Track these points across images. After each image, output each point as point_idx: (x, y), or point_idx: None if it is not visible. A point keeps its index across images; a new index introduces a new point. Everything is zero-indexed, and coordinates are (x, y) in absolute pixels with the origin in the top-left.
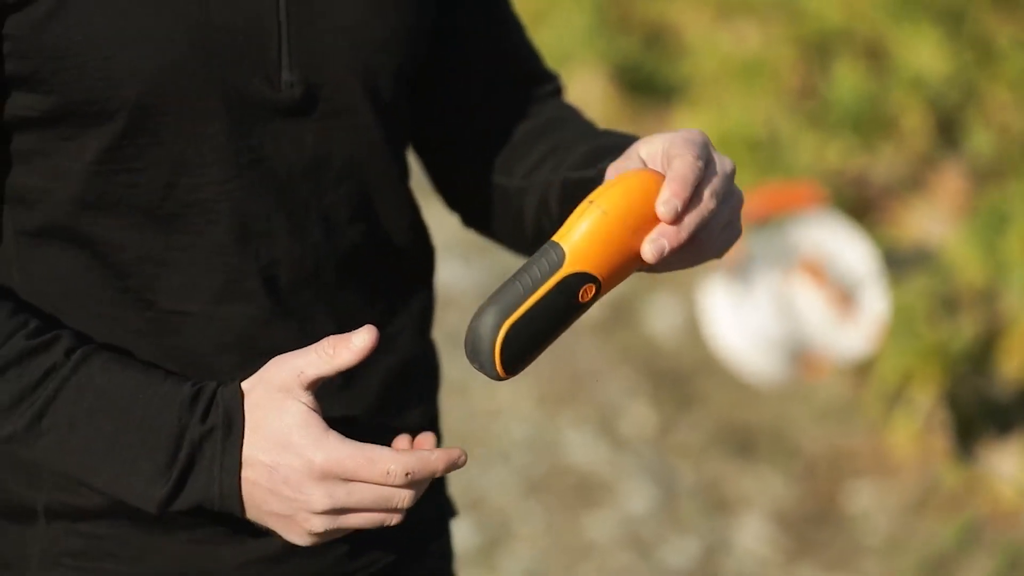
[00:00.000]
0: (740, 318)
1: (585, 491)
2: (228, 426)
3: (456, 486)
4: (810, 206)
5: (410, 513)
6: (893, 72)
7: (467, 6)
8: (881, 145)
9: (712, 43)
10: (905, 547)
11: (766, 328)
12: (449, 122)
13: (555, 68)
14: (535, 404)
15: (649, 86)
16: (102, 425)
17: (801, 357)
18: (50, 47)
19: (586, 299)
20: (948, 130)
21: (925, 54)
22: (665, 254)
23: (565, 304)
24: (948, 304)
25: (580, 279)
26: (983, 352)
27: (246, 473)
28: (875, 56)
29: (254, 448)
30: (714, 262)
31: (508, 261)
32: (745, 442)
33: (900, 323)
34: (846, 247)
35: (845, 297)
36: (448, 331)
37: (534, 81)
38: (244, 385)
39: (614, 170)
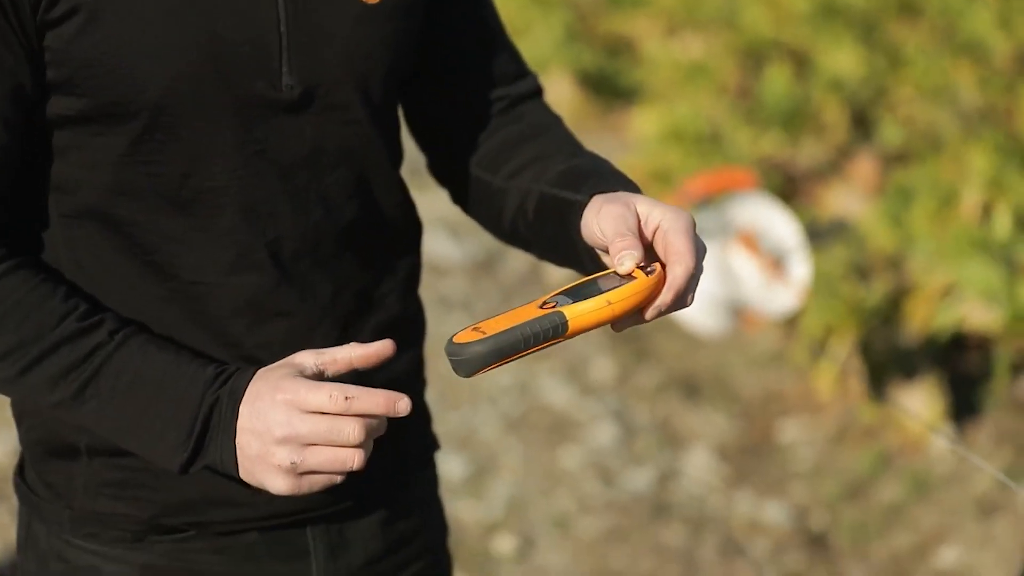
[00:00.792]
0: None
1: (558, 429)
2: (231, 397)
3: (449, 425)
4: (745, 188)
5: (396, 450)
6: (815, 75)
7: (454, 11)
8: (805, 137)
9: (664, 52)
10: (828, 473)
11: (709, 290)
12: (439, 117)
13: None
14: None
15: (611, 89)
16: (137, 398)
17: (739, 314)
18: (81, 57)
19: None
20: (862, 123)
21: (842, 59)
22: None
23: (541, 346)
24: (862, 269)
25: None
26: (892, 309)
27: (238, 441)
28: (800, 62)
29: (243, 419)
30: None
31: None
32: (692, 386)
33: (822, 285)
34: (776, 222)
35: (775, 263)
36: (442, 295)
37: (517, 79)
38: (260, 369)
39: (608, 212)
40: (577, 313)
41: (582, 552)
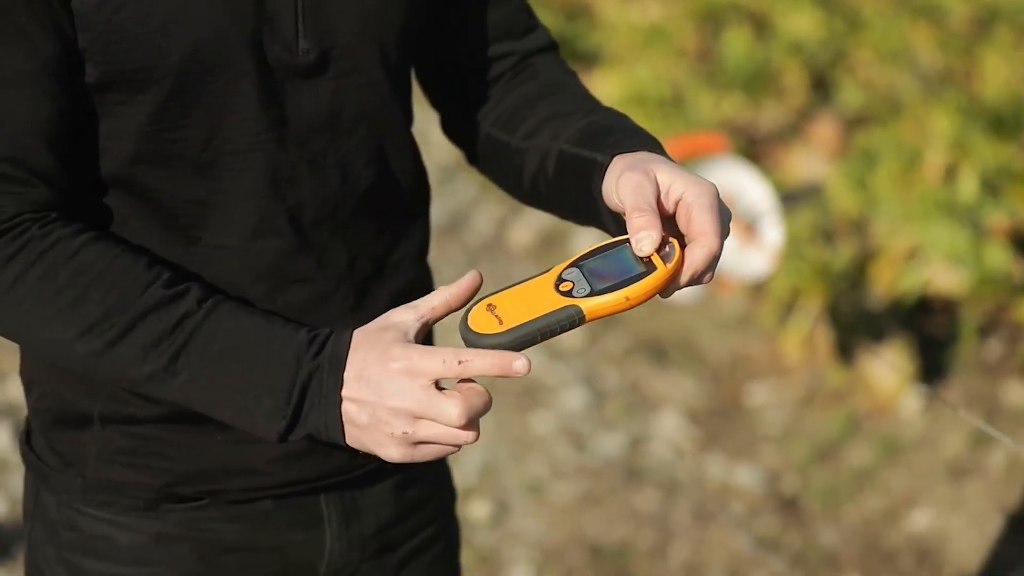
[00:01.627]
0: None
1: (529, 394)
2: (332, 364)
3: None
4: (717, 152)
5: None
6: (775, 38)
7: None
8: (766, 100)
9: (622, 16)
10: (797, 437)
11: None
12: (448, 73)
13: None
14: None
15: (570, 53)
16: (230, 365)
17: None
18: (105, 24)
19: None
20: (822, 86)
21: (802, 23)
22: None
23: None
24: (827, 232)
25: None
26: (858, 272)
27: (344, 409)
28: (760, 25)
29: (350, 388)
30: None
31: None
32: (660, 350)
33: (789, 248)
34: (748, 186)
35: (748, 228)
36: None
37: (526, 32)
38: (356, 330)
39: (627, 181)
40: (593, 306)
41: (557, 517)
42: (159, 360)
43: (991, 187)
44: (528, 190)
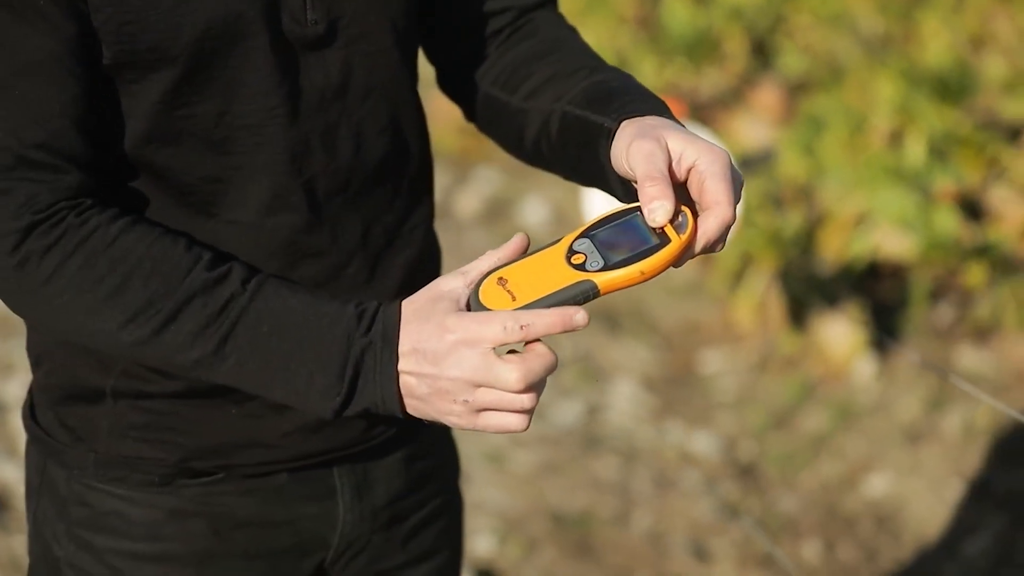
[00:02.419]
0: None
1: None
2: (385, 339)
3: None
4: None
5: None
6: (715, 4)
7: None
8: (708, 66)
9: None
10: (752, 403)
11: None
12: (442, 27)
13: None
14: None
15: None
16: (280, 345)
17: None
18: (116, 3)
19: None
20: (763, 52)
21: None
22: None
23: None
24: (775, 199)
25: None
26: (808, 239)
27: (403, 382)
28: None
29: (407, 362)
30: None
31: None
32: (612, 319)
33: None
34: None
35: None
36: None
37: None
38: (404, 302)
39: (638, 149)
40: (608, 281)
41: (518, 486)
42: (207, 345)
43: (938, 152)
44: (530, 151)
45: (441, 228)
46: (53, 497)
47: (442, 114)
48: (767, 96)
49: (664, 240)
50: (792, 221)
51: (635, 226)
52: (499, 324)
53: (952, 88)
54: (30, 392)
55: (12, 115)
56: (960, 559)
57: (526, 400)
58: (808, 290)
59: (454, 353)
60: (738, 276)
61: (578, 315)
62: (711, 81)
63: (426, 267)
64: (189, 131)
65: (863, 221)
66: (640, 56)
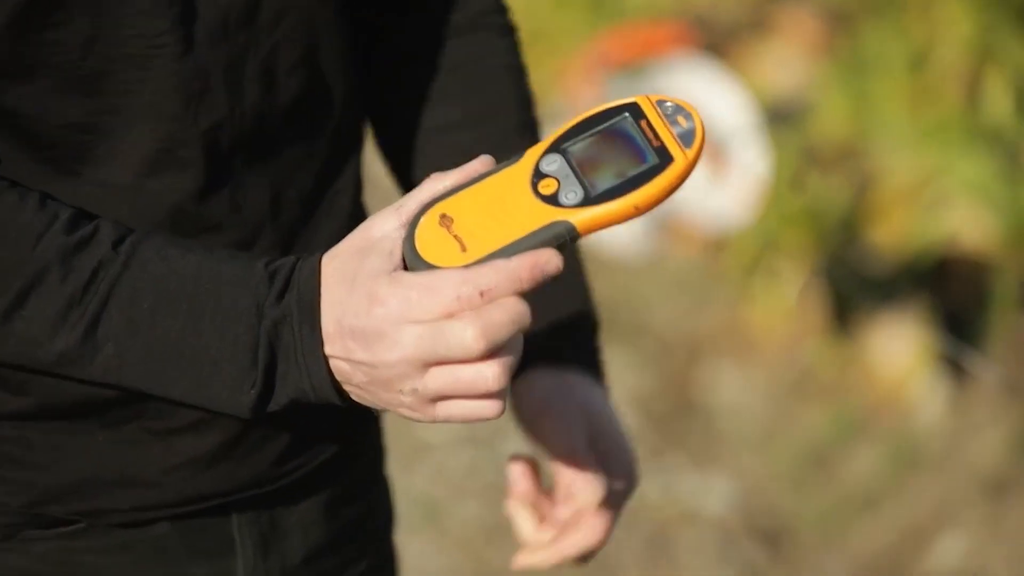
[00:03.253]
0: None
1: None
2: (302, 308)
3: None
4: (676, 48)
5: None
6: None
7: None
8: None
9: None
10: (779, 440)
11: None
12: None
13: None
14: None
15: None
16: (169, 325)
17: (666, 225)
18: None
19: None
20: None
21: None
22: None
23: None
24: (811, 163)
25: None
26: (853, 217)
27: (333, 367)
28: None
29: (332, 343)
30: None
31: None
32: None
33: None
34: (717, 96)
35: (717, 154)
36: None
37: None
38: (325, 256)
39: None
40: (589, 219)
41: (456, 548)
42: (72, 333)
43: None
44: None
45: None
46: None
47: None
48: (802, 24)
49: (665, 158)
50: (833, 194)
51: (626, 134)
52: (449, 291)
53: None
54: None
55: None
56: None
57: (491, 370)
58: (854, 287)
59: (389, 333)
60: (759, 268)
61: (551, 261)
62: (732, 3)
63: None
64: (48, 63)
65: (928, 195)
66: None
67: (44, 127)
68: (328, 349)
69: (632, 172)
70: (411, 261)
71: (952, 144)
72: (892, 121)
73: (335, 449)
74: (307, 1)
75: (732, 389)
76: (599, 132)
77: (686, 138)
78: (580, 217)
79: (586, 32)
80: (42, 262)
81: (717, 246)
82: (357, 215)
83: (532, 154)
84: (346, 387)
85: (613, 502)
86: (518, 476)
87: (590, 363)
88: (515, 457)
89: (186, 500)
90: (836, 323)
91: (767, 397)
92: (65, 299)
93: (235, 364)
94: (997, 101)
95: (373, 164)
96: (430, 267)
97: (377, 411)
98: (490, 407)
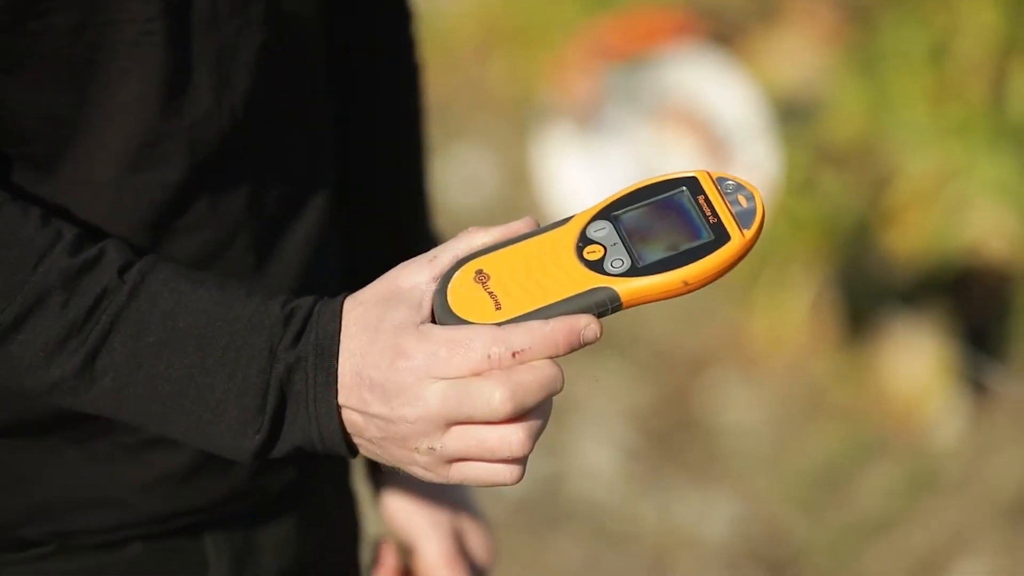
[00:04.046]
0: (591, 177)
1: None
2: (319, 355)
3: None
4: (680, 39)
5: None
6: None
7: None
8: None
9: None
10: (786, 461)
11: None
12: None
13: None
14: None
15: None
16: (173, 362)
17: None
18: None
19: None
20: None
21: None
22: None
23: None
24: (825, 162)
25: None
26: (868, 221)
27: (345, 418)
28: None
29: (347, 393)
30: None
31: None
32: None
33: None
34: (723, 90)
35: (722, 152)
36: None
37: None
38: (348, 300)
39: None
40: (635, 289)
41: None
42: (70, 362)
43: None
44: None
45: None
46: None
47: None
48: (814, 13)
49: (721, 236)
50: (846, 196)
51: (681, 208)
52: (480, 349)
53: None
54: None
55: None
56: None
57: (516, 436)
58: (868, 297)
59: (412, 388)
60: (766, 276)
61: (589, 327)
62: None
63: (333, 249)
64: (35, 52)
65: (948, 197)
66: None
67: (26, 121)
68: (342, 399)
69: (685, 247)
70: (441, 315)
71: (975, 143)
72: (911, 118)
73: (309, 465)
74: None
75: (736, 405)
76: (653, 203)
77: (745, 218)
78: (625, 287)
79: (582, 21)
80: (44, 284)
81: None
82: (334, 220)
83: (580, 218)
84: (356, 440)
85: None
86: (385, 557)
87: None
88: (382, 539)
89: (160, 518)
90: (848, 335)
91: (774, 414)
92: (65, 326)
93: (241, 407)
94: (1023, 97)
95: None
96: (462, 323)
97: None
98: (510, 473)
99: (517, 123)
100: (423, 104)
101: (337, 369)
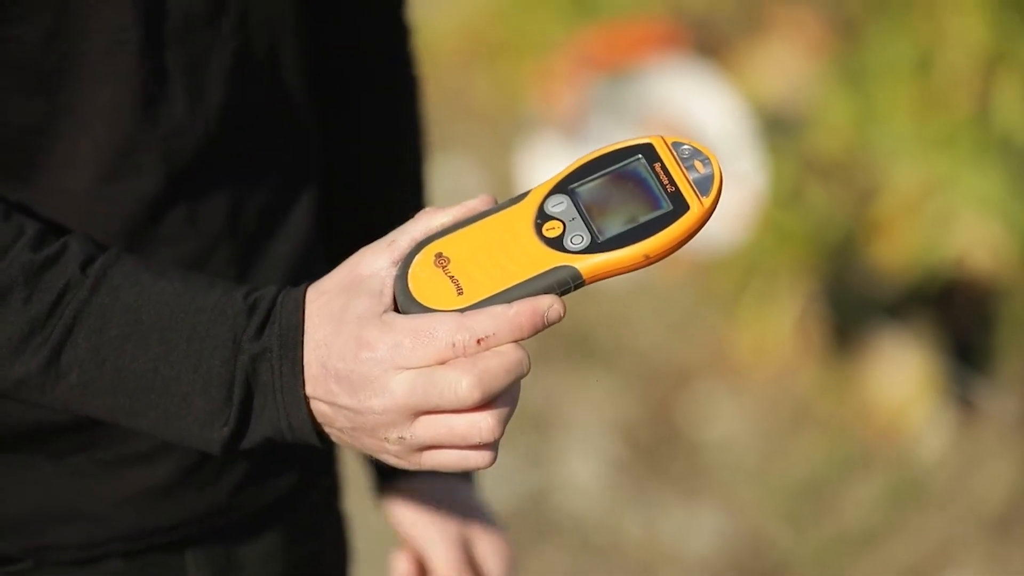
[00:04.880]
0: None
1: None
2: (284, 345)
3: None
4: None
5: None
6: None
7: None
8: None
9: None
10: (771, 475)
11: None
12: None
13: None
14: None
15: None
16: (137, 355)
17: None
18: None
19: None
20: None
21: None
22: None
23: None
24: (811, 174)
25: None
26: (854, 234)
27: (314, 408)
28: None
29: (313, 384)
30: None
31: None
32: (571, 350)
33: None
34: (709, 101)
35: None
36: None
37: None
38: (310, 290)
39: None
40: (595, 265)
41: None
42: (35, 359)
43: None
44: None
45: None
46: None
47: None
48: (801, 25)
49: (680, 205)
50: (832, 208)
51: (638, 177)
52: (444, 338)
53: None
54: None
55: None
56: None
57: (486, 422)
58: (853, 310)
59: (378, 379)
60: (751, 288)
61: (552, 308)
62: (725, 2)
63: (316, 263)
64: (4, 59)
65: (934, 209)
66: None
67: (1, 131)
68: (310, 390)
69: (644, 218)
70: (403, 303)
71: (960, 155)
72: (896, 130)
73: (293, 479)
74: (272, 5)
75: (722, 418)
76: (610, 174)
77: (703, 185)
78: (586, 263)
79: (567, 32)
80: (5, 280)
81: (706, 264)
82: (317, 233)
83: (536, 194)
84: (327, 429)
85: None
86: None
87: None
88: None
89: (139, 534)
90: (834, 348)
91: (759, 427)
92: (28, 322)
93: (208, 398)
94: (1009, 108)
95: None
96: (424, 309)
97: (335, 449)
98: (482, 458)
99: (503, 134)
100: (421, 117)
101: (303, 360)
